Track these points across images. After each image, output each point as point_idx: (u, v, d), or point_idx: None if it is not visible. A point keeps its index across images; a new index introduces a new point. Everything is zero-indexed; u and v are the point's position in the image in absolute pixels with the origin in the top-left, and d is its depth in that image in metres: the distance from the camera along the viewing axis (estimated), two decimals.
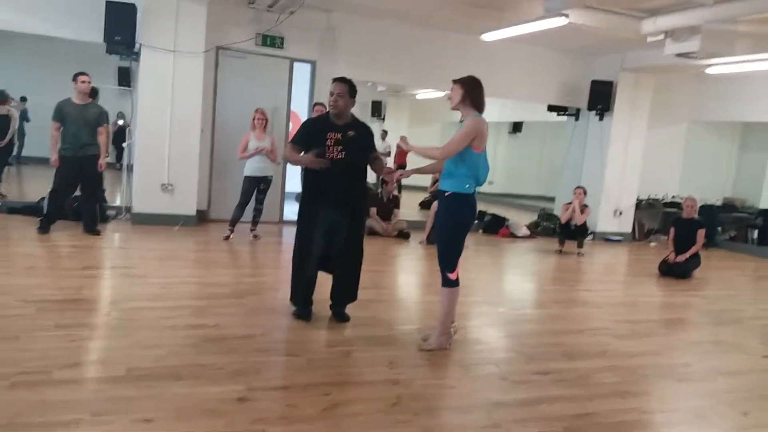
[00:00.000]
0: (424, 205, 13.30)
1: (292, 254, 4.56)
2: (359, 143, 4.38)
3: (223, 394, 3.13)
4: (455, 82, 4.04)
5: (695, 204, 8.09)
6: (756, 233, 11.44)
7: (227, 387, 3.21)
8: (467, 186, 3.96)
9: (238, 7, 8.45)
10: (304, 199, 4.50)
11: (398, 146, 16.70)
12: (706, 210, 11.21)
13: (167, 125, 7.87)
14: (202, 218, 8.46)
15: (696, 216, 8.04)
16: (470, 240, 9.27)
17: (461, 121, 4.04)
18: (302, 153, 4.40)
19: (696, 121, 11.99)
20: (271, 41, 8.69)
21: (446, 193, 4.00)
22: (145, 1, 7.56)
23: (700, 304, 6.66)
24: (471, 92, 3.99)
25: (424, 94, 15.92)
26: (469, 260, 8.01)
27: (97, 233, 7.01)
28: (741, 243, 11.39)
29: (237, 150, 7.46)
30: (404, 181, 15.17)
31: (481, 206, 9.31)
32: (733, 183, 12.81)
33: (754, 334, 5.44)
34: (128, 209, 8.17)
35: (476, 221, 10.33)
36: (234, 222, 7.46)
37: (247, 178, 7.41)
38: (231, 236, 7.43)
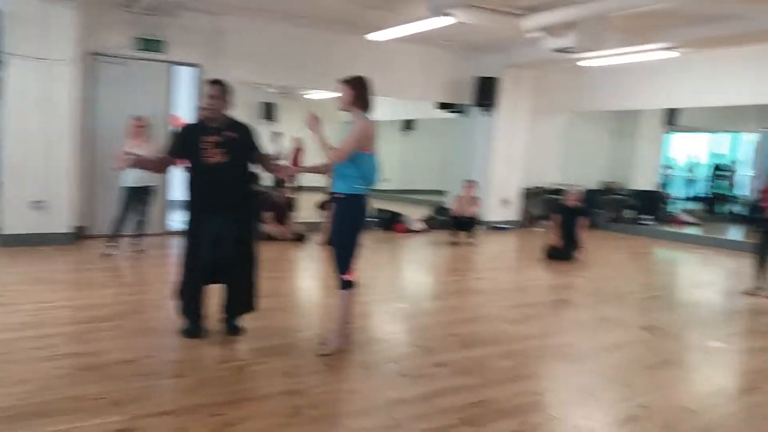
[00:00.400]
0: (322, 206, 13.19)
1: (179, 266, 4.33)
2: (240, 144, 4.23)
3: (103, 427, 2.89)
4: (343, 82, 4.02)
5: (579, 195, 8.38)
6: (631, 213, 12.36)
7: (107, 418, 2.98)
8: (359, 186, 3.96)
9: (114, 11, 7.92)
10: (189, 206, 4.29)
11: (294, 149, 16.40)
12: (588, 194, 11.93)
13: (37, 137, 7.25)
14: (81, 235, 7.89)
15: (579, 204, 8.40)
16: (367, 238, 9.29)
17: (351, 122, 4.01)
18: (172, 162, 4.30)
19: (574, 112, 12.72)
20: (152, 45, 8.21)
21: (339, 195, 4.00)
22: (9, 7, 6.93)
23: (583, 283, 7.06)
24: (360, 92, 3.99)
25: (315, 94, 15.80)
26: (367, 258, 8.01)
27: None
28: (619, 223, 12.24)
29: (115, 159, 7.00)
30: (302, 183, 15.05)
31: (377, 203, 9.43)
32: (608, 167, 13.72)
33: (632, 309, 5.83)
34: None
35: (373, 218, 10.43)
36: (114, 237, 7.02)
37: (126, 189, 6.99)
38: (112, 252, 6.98)
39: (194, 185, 4.16)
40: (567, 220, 8.25)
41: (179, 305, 4.29)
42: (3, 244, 7.20)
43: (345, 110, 4.05)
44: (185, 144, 4.20)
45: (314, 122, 4.02)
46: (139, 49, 8.18)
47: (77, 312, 4.86)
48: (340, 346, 4.07)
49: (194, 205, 4.20)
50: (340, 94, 4.03)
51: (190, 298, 4.22)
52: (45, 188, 7.37)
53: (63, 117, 7.40)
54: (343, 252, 4.04)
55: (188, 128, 4.51)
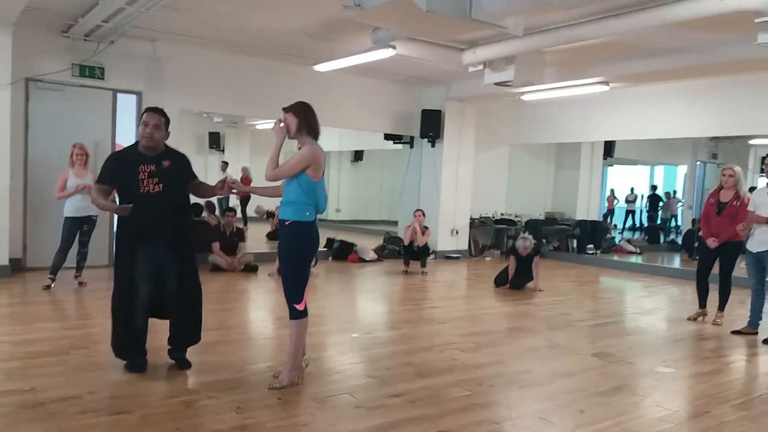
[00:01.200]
0: (271, 236, 13.02)
1: (111, 302, 4.12)
2: (177, 173, 4.11)
3: None
4: (286, 110, 3.96)
5: (529, 242, 8.40)
6: (575, 242, 12.69)
7: None
8: (308, 214, 3.88)
9: (51, 36, 7.71)
10: (121, 238, 4.11)
11: (241, 177, 16.29)
12: (531, 224, 12.21)
13: None
14: (16, 267, 7.51)
15: (530, 251, 8.46)
16: (320, 267, 9.22)
17: (299, 149, 3.97)
18: (113, 192, 4.15)
19: (516, 144, 13.08)
20: (90, 72, 8.03)
21: (287, 222, 3.89)
22: None
23: (533, 311, 7.16)
24: (305, 119, 3.93)
25: (263, 124, 15.72)
26: (320, 288, 7.94)
27: None
28: (563, 252, 12.54)
29: (55, 189, 6.74)
30: (249, 213, 14.84)
31: (329, 233, 9.38)
32: (552, 198, 14.11)
33: (582, 336, 5.93)
34: None
35: (326, 248, 10.36)
36: (55, 269, 6.70)
37: (68, 219, 6.71)
38: (53, 285, 6.66)
39: (131, 215, 3.97)
40: (522, 265, 8.37)
41: (114, 342, 4.08)
42: None
43: (294, 138, 3.96)
44: (119, 172, 4.04)
45: (280, 129, 3.91)
46: (78, 76, 7.97)
47: (17, 347, 4.59)
48: (292, 380, 3.95)
49: (129, 236, 4.03)
50: (284, 123, 3.94)
51: (129, 333, 4.03)
52: None
53: None
54: (292, 281, 3.95)
55: (121, 155, 4.29)
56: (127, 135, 8.72)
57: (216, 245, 8.66)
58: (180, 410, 3.52)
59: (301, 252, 3.95)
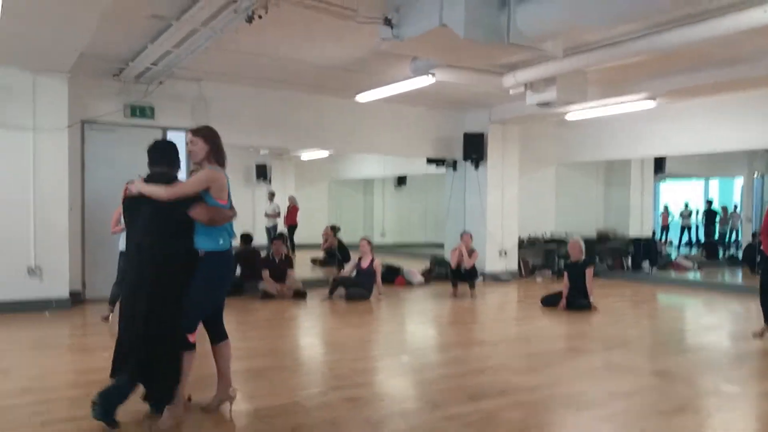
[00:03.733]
0: (318, 262, 13.16)
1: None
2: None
3: None
4: (194, 134, 3.76)
5: (578, 245, 8.36)
6: (629, 260, 12.35)
7: None
8: (221, 242, 3.72)
9: (103, 80, 8.09)
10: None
11: (288, 206, 16.48)
12: (585, 243, 11.94)
13: (30, 205, 7.31)
14: (76, 300, 7.79)
15: (582, 257, 8.36)
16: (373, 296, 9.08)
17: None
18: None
19: (562, 164, 12.90)
20: (141, 112, 8.39)
21: (200, 252, 3.68)
22: (1, 80, 7.09)
23: (588, 331, 6.97)
24: (215, 146, 3.76)
25: (308, 155, 16.01)
26: (370, 312, 7.96)
27: None
28: (618, 270, 12.21)
29: (110, 224, 7.00)
30: (297, 240, 15.04)
31: (377, 257, 9.38)
32: (603, 216, 13.79)
33: (640, 355, 5.73)
34: None
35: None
36: (113, 300, 6.89)
37: (123, 252, 6.94)
38: (111, 316, 6.87)
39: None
40: (574, 276, 8.22)
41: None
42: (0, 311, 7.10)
43: (198, 164, 3.74)
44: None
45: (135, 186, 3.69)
46: (129, 116, 8.33)
47: (79, 376, 4.77)
48: (176, 416, 3.63)
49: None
50: (190, 147, 3.72)
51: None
52: (40, 255, 7.38)
53: (56, 184, 7.49)
54: (192, 310, 3.65)
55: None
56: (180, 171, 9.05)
57: (266, 273, 8.79)
58: None
59: (214, 283, 3.73)
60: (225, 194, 3.72)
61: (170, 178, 3.77)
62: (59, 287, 7.47)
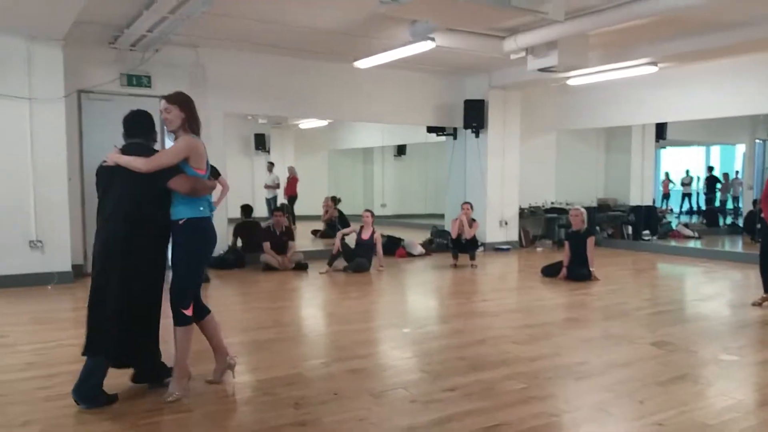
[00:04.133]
0: (318, 234, 13.17)
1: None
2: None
3: None
4: (169, 101, 3.63)
5: (580, 214, 8.34)
6: (630, 229, 12.36)
7: None
8: (201, 209, 3.66)
9: (99, 48, 7.99)
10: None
11: (288, 177, 16.41)
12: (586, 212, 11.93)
13: (29, 177, 7.27)
14: (78, 273, 7.81)
15: (584, 226, 8.35)
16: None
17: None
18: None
19: (563, 130, 12.81)
20: (138, 80, 8.29)
21: (181, 221, 3.61)
22: None
23: (588, 301, 7.01)
24: (191, 114, 3.66)
25: (307, 123, 15.88)
26: (371, 284, 7.99)
27: None
28: (618, 239, 12.23)
29: None
30: (297, 211, 15.04)
31: (376, 229, 9.41)
32: (603, 184, 13.76)
33: (639, 324, 5.77)
34: None
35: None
36: None
37: None
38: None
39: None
40: (575, 246, 8.22)
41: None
42: (1, 285, 7.12)
43: (173, 132, 3.64)
44: None
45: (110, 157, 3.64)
46: (126, 85, 8.23)
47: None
48: (183, 389, 3.64)
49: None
50: (164, 115, 3.62)
51: None
52: (41, 227, 7.36)
53: (54, 155, 7.42)
54: (184, 284, 3.62)
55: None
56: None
57: (267, 245, 8.81)
58: (240, 407, 3.62)
59: (199, 252, 3.71)
60: (204, 163, 3.66)
61: (147, 150, 3.68)
62: (61, 260, 7.48)
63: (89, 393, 3.49)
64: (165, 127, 3.71)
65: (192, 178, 3.59)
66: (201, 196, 3.67)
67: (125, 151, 3.66)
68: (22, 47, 7.10)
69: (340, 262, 8.77)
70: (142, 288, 3.59)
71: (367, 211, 9.14)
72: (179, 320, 3.62)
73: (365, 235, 8.86)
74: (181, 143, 3.59)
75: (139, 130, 3.77)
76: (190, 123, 3.65)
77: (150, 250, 3.62)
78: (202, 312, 3.81)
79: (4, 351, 4.72)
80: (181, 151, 3.57)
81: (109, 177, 3.66)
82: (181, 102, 3.65)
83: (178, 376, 3.65)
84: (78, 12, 6.31)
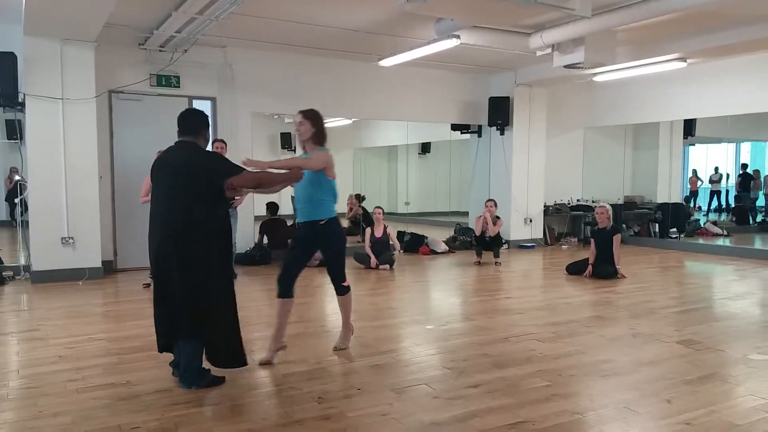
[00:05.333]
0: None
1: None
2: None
3: None
4: (304, 116, 4.26)
5: (606, 212, 8.26)
6: (657, 226, 12.18)
7: None
8: (333, 211, 4.38)
9: (129, 49, 8.15)
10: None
11: None
12: (613, 209, 11.79)
13: (62, 176, 7.45)
14: (108, 269, 7.98)
15: (610, 223, 8.27)
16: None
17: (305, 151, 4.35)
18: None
19: (590, 127, 12.66)
20: (167, 81, 8.44)
21: (323, 221, 4.32)
22: (27, 50, 7.15)
23: (614, 299, 6.93)
24: (320, 129, 4.29)
25: (332, 122, 15.94)
26: (395, 280, 8.02)
27: None
28: (645, 237, 12.06)
29: (140, 193, 7.11)
30: None
31: (399, 226, 9.46)
32: (630, 182, 13.57)
33: (667, 323, 5.69)
34: (27, 268, 7.61)
35: (401, 241, 10.43)
36: None
37: None
38: (152, 284, 7.02)
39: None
40: (601, 243, 8.15)
41: None
42: (34, 281, 7.31)
43: (303, 142, 4.30)
44: None
45: (250, 163, 3.96)
46: (155, 85, 8.38)
47: (112, 344, 4.90)
48: (348, 338, 4.75)
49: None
50: (297, 126, 4.25)
51: None
52: (73, 224, 7.52)
53: (86, 154, 7.59)
54: (342, 266, 4.54)
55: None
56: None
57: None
58: (265, 401, 3.67)
59: (342, 242, 4.55)
60: (334, 171, 4.34)
61: (195, 149, 3.80)
62: (92, 256, 7.65)
63: (198, 374, 3.76)
64: (297, 137, 4.33)
65: (259, 173, 3.93)
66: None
67: (173, 149, 3.87)
68: (55, 49, 7.28)
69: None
70: (199, 279, 3.69)
71: (378, 208, 9.40)
72: (342, 291, 4.57)
73: (378, 233, 9.07)
74: (324, 156, 4.26)
75: (190, 128, 3.92)
76: (318, 136, 4.28)
77: (200, 243, 3.71)
78: (287, 292, 4.47)
79: (36, 344, 4.86)
80: (323, 161, 4.23)
81: (158, 173, 3.88)
82: (313, 117, 4.29)
83: (345, 329, 4.69)
84: (108, 15, 6.44)
